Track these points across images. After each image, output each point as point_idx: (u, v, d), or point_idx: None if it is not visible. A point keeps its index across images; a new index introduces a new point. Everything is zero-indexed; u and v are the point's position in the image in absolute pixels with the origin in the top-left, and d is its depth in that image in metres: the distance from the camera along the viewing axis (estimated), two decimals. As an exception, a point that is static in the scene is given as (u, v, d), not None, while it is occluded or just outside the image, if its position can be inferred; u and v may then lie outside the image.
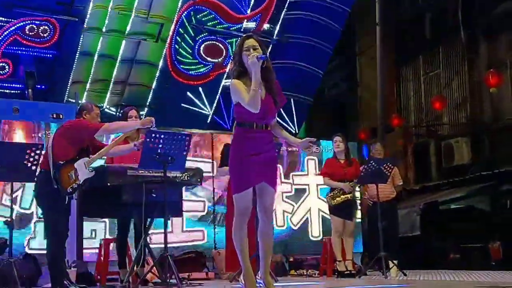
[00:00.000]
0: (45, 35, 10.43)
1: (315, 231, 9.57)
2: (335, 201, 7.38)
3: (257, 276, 4.31)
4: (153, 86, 11.49)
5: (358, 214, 8.82)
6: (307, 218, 9.57)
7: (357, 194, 8.32)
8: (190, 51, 11.67)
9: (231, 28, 11.91)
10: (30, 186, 6.98)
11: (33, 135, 7.50)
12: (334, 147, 7.58)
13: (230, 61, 11.95)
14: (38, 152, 5.24)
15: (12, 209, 5.34)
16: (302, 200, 9.59)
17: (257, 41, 4.21)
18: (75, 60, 10.70)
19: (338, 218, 7.41)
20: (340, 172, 7.45)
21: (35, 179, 5.50)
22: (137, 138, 6.11)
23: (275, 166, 4.27)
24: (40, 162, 5.39)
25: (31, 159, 5.18)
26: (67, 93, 10.66)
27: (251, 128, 4.12)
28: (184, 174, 5.96)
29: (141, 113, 11.23)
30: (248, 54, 4.09)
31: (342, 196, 7.35)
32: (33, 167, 5.26)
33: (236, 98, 4.11)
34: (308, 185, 9.63)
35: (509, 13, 12.68)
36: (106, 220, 7.76)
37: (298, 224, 9.49)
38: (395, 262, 7.22)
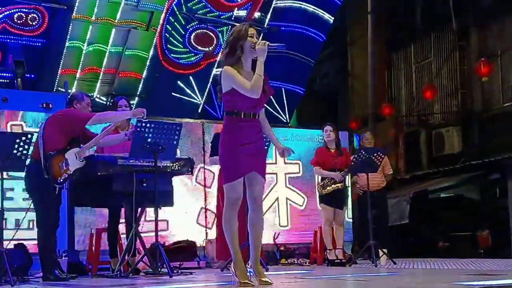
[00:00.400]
0: (33, 23, 10.31)
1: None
2: (325, 190, 7.41)
3: (247, 265, 4.32)
4: (144, 75, 11.43)
5: (349, 203, 8.87)
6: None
7: (348, 183, 8.36)
8: (181, 40, 11.61)
9: (222, 17, 11.85)
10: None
11: (22, 124, 7.44)
12: (325, 137, 7.60)
13: (221, 49, 11.89)
14: (27, 141, 5.22)
15: (2, 198, 5.30)
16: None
17: (257, 31, 4.23)
18: (65, 49, 10.61)
19: (329, 207, 7.44)
20: (331, 161, 7.47)
21: (25, 169, 5.48)
22: (127, 128, 6.10)
23: (264, 155, 4.30)
24: (30, 152, 5.37)
25: (21, 149, 5.15)
26: (56, 82, 10.57)
27: (241, 117, 4.11)
28: (175, 164, 5.96)
29: (131, 102, 11.18)
30: (252, 41, 4.08)
31: (332, 186, 7.38)
32: (23, 157, 5.23)
33: (232, 84, 4.06)
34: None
35: (500, 2, 12.70)
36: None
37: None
38: (385, 250, 7.27)
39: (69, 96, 5.95)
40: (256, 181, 4.18)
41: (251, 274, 4.23)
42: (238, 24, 4.33)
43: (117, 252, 6.17)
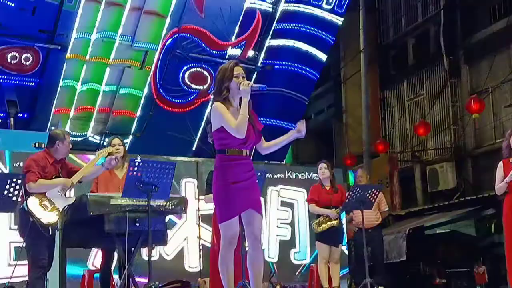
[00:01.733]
0: (27, 63, 10.37)
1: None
2: (321, 228, 7.34)
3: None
4: (138, 114, 11.45)
5: (344, 240, 8.79)
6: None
7: (343, 221, 8.30)
8: (175, 79, 11.68)
9: (216, 56, 11.95)
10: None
11: (14, 165, 7.37)
12: (319, 174, 7.56)
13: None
14: (19, 182, 5.16)
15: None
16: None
17: (243, 69, 4.26)
18: (58, 88, 10.65)
19: (325, 244, 7.37)
20: (326, 198, 7.43)
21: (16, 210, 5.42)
22: (122, 167, 6.08)
23: (258, 191, 4.26)
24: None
25: (12, 189, 5.09)
26: (50, 121, 10.58)
27: (233, 155, 4.12)
28: (168, 203, 5.90)
29: (125, 141, 11.18)
30: (238, 81, 4.11)
31: (328, 223, 7.32)
32: (14, 198, 5.16)
33: (220, 122, 4.10)
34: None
35: (489, 40, 12.88)
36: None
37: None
38: (381, 288, 7.17)
39: (50, 135, 5.85)
40: (254, 218, 4.17)
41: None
42: (225, 63, 4.37)
43: (110, 294, 6.06)
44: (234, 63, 4.28)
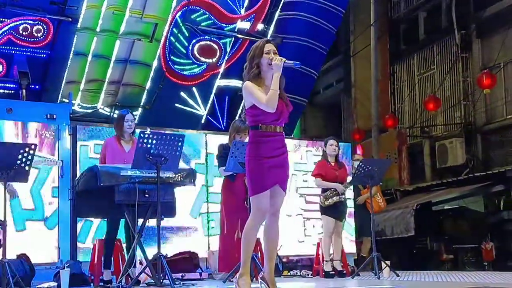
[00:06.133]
0: (38, 34, 10.42)
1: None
2: (328, 201, 7.40)
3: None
4: (147, 87, 11.48)
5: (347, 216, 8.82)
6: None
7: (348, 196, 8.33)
8: (184, 52, 11.67)
9: (225, 28, 11.92)
10: None
11: (26, 135, 7.43)
12: (330, 150, 7.57)
13: (224, 61, 11.95)
14: (31, 152, 5.24)
15: (5, 210, 5.31)
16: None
17: (276, 46, 4.34)
18: (69, 60, 10.68)
19: (330, 218, 7.43)
20: (333, 174, 7.50)
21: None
22: (130, 141, 6.17)
23: (287, 169, 4.34)
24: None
25: (24, 159, 5.17)
26: (61, 93, 10.64)
27: (266, 131, 4.21)
28: (177, 175, 5.96)
29: (135, 113, 11.26)
30: (270, 58, 4.19)
31: (335, 198, 7.38)
32: (26, 168, 5.24)
33: (251, 100, 4.19)
34: None
35: (502, 14, 12.73)
36: None
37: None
38: (388, 262, 7.24)
39: None
40: (278, 194, 4.27)
41: (263, 285, 4.24)
42: (258, 41, 4.44)
43: (111, 264, 6.16)
44: (265, 41, 4.38)
